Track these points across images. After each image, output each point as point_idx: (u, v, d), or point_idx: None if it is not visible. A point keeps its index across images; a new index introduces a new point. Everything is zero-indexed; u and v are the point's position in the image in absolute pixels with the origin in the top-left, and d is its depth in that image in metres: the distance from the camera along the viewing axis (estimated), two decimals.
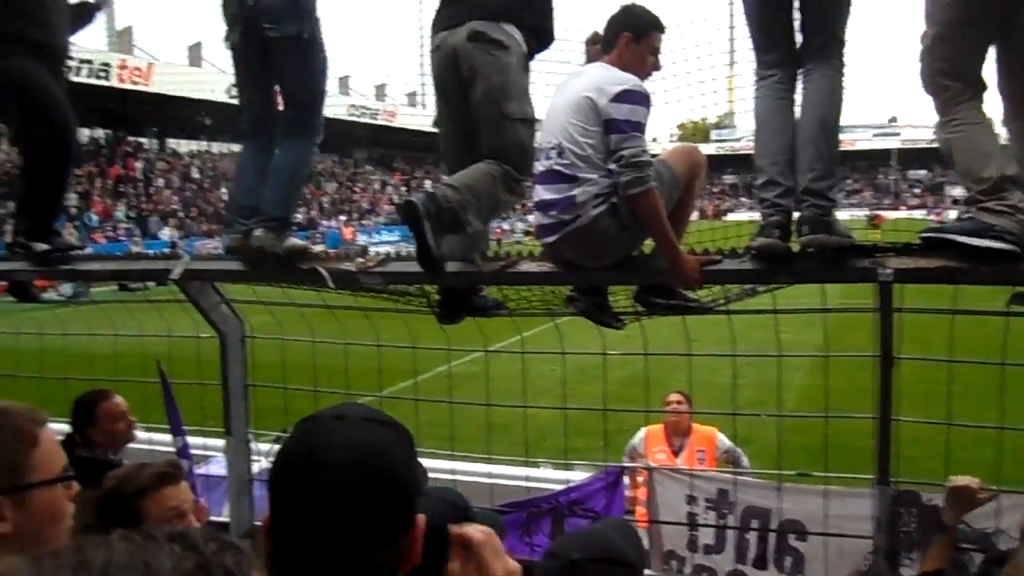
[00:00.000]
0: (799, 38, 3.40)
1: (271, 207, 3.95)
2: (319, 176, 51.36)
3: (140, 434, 5.29)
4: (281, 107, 4.07)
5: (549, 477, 5.65)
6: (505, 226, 46.43)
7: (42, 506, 1.64)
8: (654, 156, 3.46)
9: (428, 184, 53.77)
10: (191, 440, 5.16)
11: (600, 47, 3.61)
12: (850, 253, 3.20)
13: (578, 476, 5.28)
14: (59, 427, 4.76)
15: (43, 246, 4.34)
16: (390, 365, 4.34)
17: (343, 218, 48.20)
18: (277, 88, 4.05)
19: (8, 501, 1.61)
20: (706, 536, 4.92)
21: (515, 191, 3.68)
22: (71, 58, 4.61)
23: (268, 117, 4.08)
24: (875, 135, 71.22)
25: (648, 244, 3.48)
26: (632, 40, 3.49)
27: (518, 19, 3.73)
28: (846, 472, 4.75)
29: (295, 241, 4.00)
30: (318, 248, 4.44)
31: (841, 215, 3.41)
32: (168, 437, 5.17)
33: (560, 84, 3.64)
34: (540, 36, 3.85)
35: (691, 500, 4.95)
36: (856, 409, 4.03)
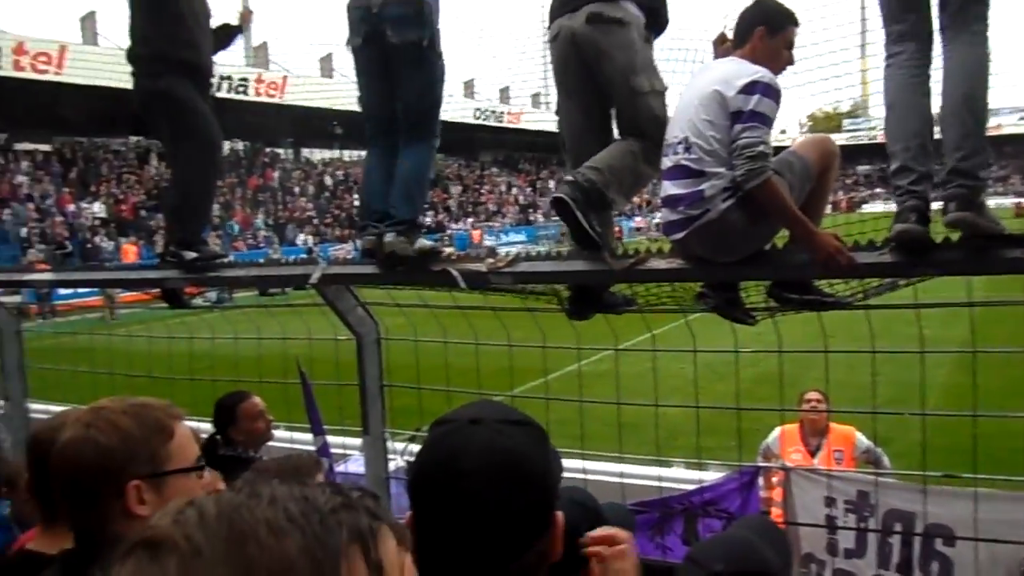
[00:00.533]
0: (934, 11, 3.24)
1: (399, 211, 4.06)
2: (446, 180, 52.24)
3: (282, 433, 5.52)
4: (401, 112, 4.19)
5: (681, 477, 5.59)
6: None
7: (177, 494, 1.75)
8: (784, 148, 3.39)
9: (552, 184, 53.99)
10: (330, 439, 5.34)
11: (730, 44, 3.55)
12: (999, 242, 3.04)
13: (711, 476, 5.20)
14: (204, 427, 5.06)
15: (192, 255, 4.59)
16: (520, 364, 4.37)
17: (471, 220, 48.86)
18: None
19: (148, 486, 1.76)
20: (846, 539, 4.76)
21: (654, 163, 3.67)
22: (214, 76, 4.86)
23: (390, 121, 4.18)
24: (1021, 118, 67.36)
25: (781, 237, 3.40)
26: (767, 34, 3.42)
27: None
28: (997, 474, 4.52)
29: (424, 242, 4.09)
30: (447, 250, 4.52)
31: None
32: (309, 436, 5.36)
33: (689, 80, 3.60)
34: (655, 17, 3.85)
35: (830, 502, 4.80)
36: (1007, 408, 3.83)
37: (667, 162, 3.41)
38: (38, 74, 33.17)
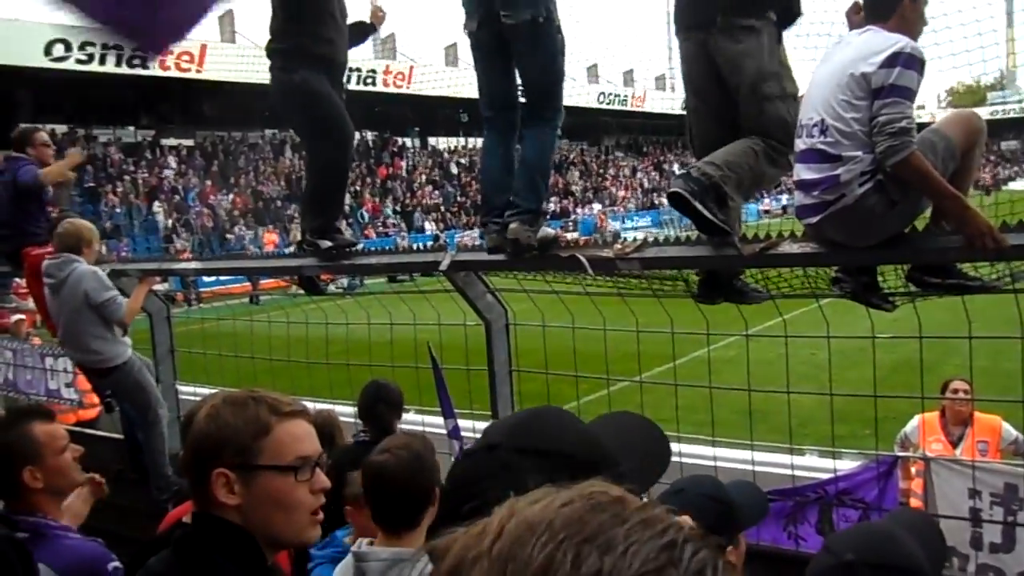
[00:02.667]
0: None
1: (523, 198, 4.09)
2: (570, 165, 52.19)
3: (413, 416, 5.66)
4: (520, 94, 4.20)
5: (815, 465, 5.45)
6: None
7: (268, 491, 1.80)
8: (923, 125, 3.26)
9: (676, 167, 53.22)
10: (460, 423, 5.45)
11: (866, 14, 3.41)
12: None
13: (846, 465, 5.06)
14: (341, 409, 5.23)
15: (328, 243, 4.75)
16: (647, 349, 4.36)
17: (596, 206, 48.70)
18: (516, 74, 4.18)
19: (237, 478, 1.79)
20: (991, 533, 4.55)
21: (779, 164, 3.62)
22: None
23: (509, 105, 4.21)
24: None
25: (921, 219, 3.27)
26: (912, 2, 3.27)
27: (766, 6, 3.67)
28: None
29: (548, 231, 4.12)
30: (571, 236, 4.53)
31: None
32: (439, 419, 5.48)
33: (823, 56, 3.49)
34: (787, 13, 3.77)
35: (974, 494, 4.60)
36: None
37: (801, 145, 3.32)
38: (182, 72, 34.77)
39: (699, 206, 3.46)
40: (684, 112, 4.09)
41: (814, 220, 3.27)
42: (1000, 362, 5.26)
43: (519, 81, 4.18)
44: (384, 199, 42.35)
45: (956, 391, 5.68)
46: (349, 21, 4.98)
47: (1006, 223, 3.15)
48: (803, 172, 3.29)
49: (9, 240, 6.61)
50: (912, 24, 3.26)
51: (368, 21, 5.31)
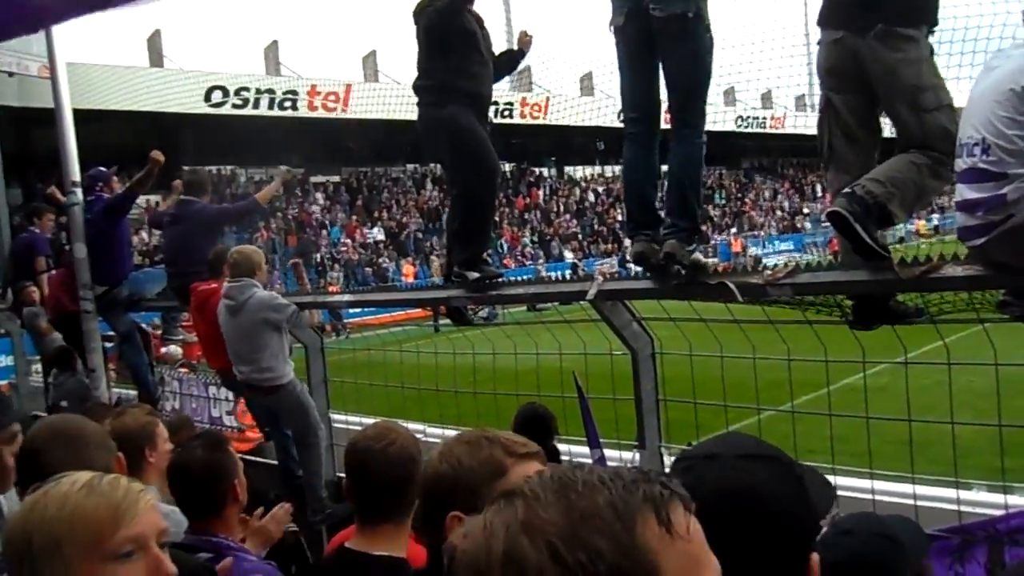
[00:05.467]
0: None
1: (676, 216, 4.06)
2: (708, 189, 51.47)
3: (559, 446, 5.68)
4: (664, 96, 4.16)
5: (984, 500, 5.16)
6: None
7: None
8: None
9: (818, 188, 51.61)
10: (607, 452, 5.43)
11: None
12: None
13: (1018, 500, 4.76)
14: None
15: (475, 274, 4.85)
16: (798, 377, 4.24)
17: (734, 231, 47.80)
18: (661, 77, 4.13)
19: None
20: None
21: (942, 176, 3.49)
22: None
23: (652, 112, 4.19)
24: None
25: None
26: None
27: (924, 18, 3.56)
28: None
29: (700, 257, 4.08)
30: (718, 264, 4.47)
31: None
32: (585, 449, 5.48)
33: (984, 67, 3.36)
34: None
35: None
36: None
37: (961, 164, 3.19)
38: (328, 112, 36.24)
39: (859, 229, 3.37)
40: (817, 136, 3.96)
41: (979, 242, 3.14)
42: None
43: (664, 85, 4.15)
44: (522, 229, 42.79)
45: None
46: (496, 51, 5.10)
47: None
48: (965, 192, 3.16)
49: (178, 277, 7.06)
50: None
51: (516, 47, 5.40)
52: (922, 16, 3.62)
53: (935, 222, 40.23)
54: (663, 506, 0.93)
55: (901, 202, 3.49)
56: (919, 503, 4.38)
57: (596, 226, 45.44)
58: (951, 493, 4.81)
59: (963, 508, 4.47)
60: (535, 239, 42.61)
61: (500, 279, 5.06)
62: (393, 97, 26.59)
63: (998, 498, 4.79)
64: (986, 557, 4.45)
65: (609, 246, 41.71)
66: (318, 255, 34.91)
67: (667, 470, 1.41)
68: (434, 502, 1.82)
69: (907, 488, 5.02)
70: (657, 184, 4.23)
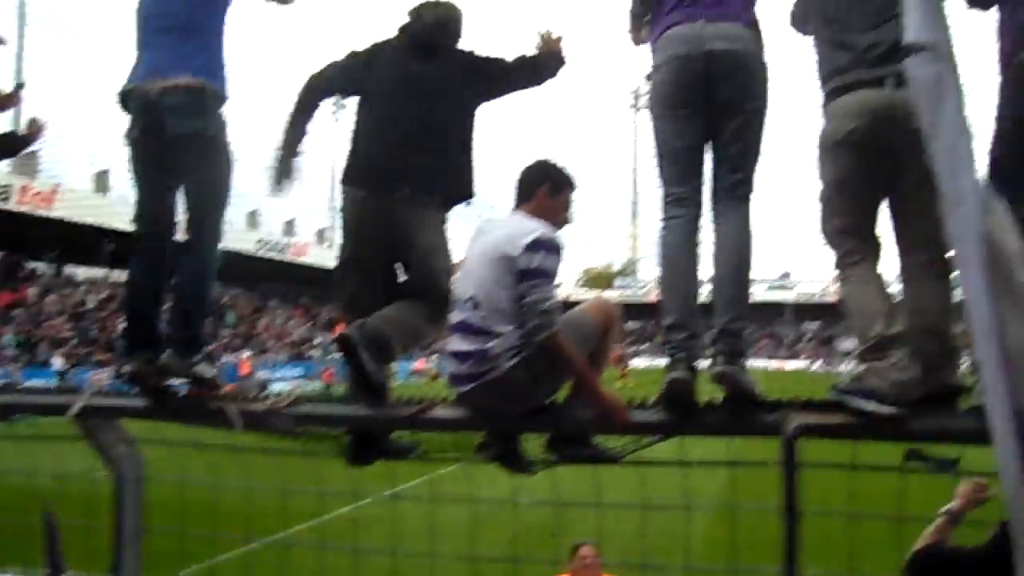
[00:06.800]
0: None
1: (178, 328, 3.90)
2: (222, 308, 50.53)
3: None
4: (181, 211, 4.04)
5: None
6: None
7: None
8: (572, 305, 3.58)
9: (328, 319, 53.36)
10: None
11: (516, 196, 3.75)
12: (756, 407, 3.32)
13: None
14: None
15: None
16: (294, 505, 4.21)
17: (247, 353, 47.25)
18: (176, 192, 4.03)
19: None
20: None
21: (438, 324, 3.75)
22: None
23: (164, 221, 4.05)
24: (769, 288, 74.02)
25: (563, 393, 3.54)
26: (549, 192, 3.65)
27: (441, 188, 3.96)
28: None
29: (206, 369, 3.93)
30: (226, 386, 4.32)
31: None
32: None
33: (477, 230, 3.75)
34: (460, 197, 4.06)
35: None
36: (762, 560, 4.04)
37: (455, 317, 3.51)
38: None
39: (365, 359, 3.52)
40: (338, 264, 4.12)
41: (465, 389, 3.44)
42: (624, 524, 5.68)
43: (180, 199, 4.03)
44: (5, 327, 38.13)
45: (584, 557, 6.00)
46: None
47: (632, 401, 3.50)
48: (457, 343, 3.47)
49: None
50: (551, 213, 3.62)
51: (20, 133, 4.87)
52: (440, 185, 3.97)
53: (433, 363, 43.50)
54: None
55: (403, 344, 3.75)
56: None
57: (94, 333, 42.02)
58: None
59: None
60: (20, 339, 38.16)
61: None
62: None
63: None
64: None
65: (106, 356, 38.71)
66: None
67: None
68: None
69: None
70: (160, 300, 4.02)
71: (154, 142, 3.91)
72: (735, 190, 3.49)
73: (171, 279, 4.05)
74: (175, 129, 3.84)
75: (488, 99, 4.27)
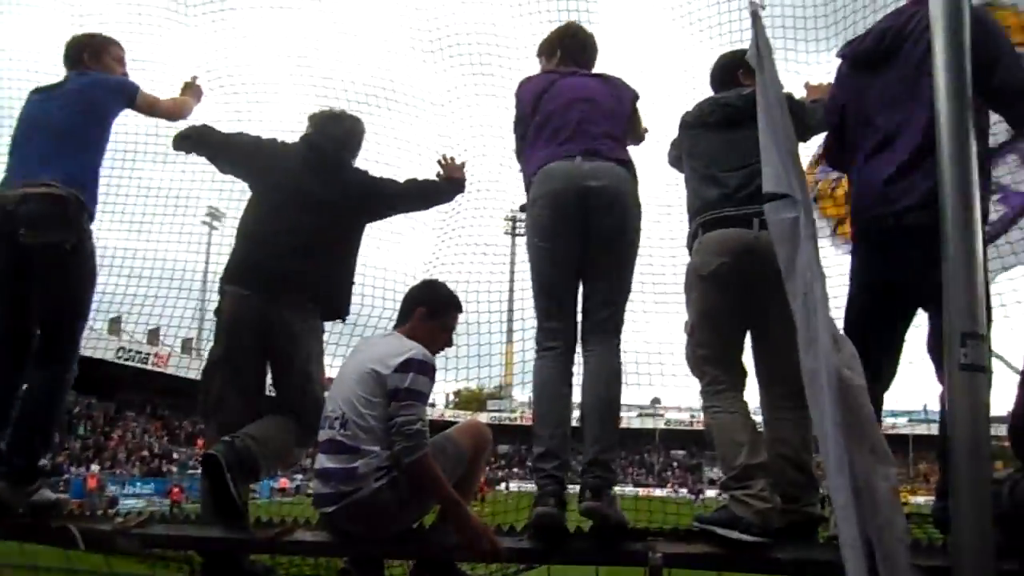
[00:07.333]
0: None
1: (17, 455, 3.67)
2: (72, 419, 47.83)
3: None
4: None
5: None
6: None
7: None
8: (445, 426, 3.55)
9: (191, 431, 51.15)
10: None
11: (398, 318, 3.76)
12: (623, 535, 3.33)
13: None
14: None
15: None
16: None
17: (96, 467, 44.61)
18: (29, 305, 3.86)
19: None
20: None
21: (305, 445, 3.66)
22: None
23: (18, 336, 3.86)
24: (639, 415, 75.25)
25: (430, 518, 3.47)
26: (427, 315, 3.65)
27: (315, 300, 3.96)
28: None
29: (47, 495, 3.69)
30: (65, 497, 4.07)
31: None
32: None
33: (354, 348, 3.72)
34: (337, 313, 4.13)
35: None
36: None
37: (323, 435, 3.42)
38: None
39: (229, 481, 3.37)
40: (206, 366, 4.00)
41: (330, 510, 3.32)
42: None
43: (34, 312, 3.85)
44: None
45: None
46: None
47: (500, 527, 3.46)
48: (324, 461, 3.37)
49: None
50: (428, 335, 3.61)
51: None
52: (324, 297, 4.00)
53: (298, 481, 42.02)
54: None
55: (270, 463, 3.64)
56: None
57: None
58: None
59: None
60: None
61: None
62: None
63: None
64: None
65: None
66: None
67: None
68: None
69: None
70: (6, 416, 3.78)
71: (7, 250, 3.76)
72: (605, 324, 3.60)
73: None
74: (31, 239, 3.71)
75: (377, 219, 4.34)
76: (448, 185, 4.46)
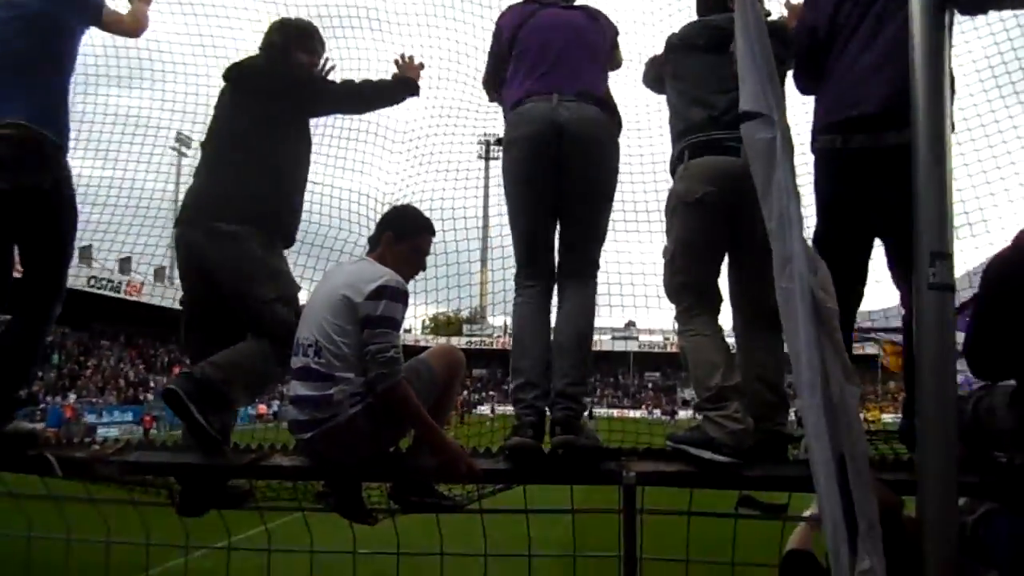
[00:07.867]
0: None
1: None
2: (47, 348, 47.62)
3: None
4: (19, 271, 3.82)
5: None
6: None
7: None
8: (418, 353, 3.56)
9: (167, 361, 51.16)
10: None
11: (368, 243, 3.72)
12: (597, 456, 3.38)
13: None
14: None
15: None
16: (119, 559, 3.97)
17: (72, 396, 44.60)
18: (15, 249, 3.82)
19: None
20: None
21: (285, 363, 3.62)
22: None
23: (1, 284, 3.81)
24: (614, 338, 75.95)
25: (405, 441, 3.50)
26: (394, 238, 3.61)
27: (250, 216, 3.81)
28: None
29: (23, 425, 3.68)
30: (41, 426, 4.07)
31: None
32: None
33: (324, 275, 3.70)
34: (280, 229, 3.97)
35: None
36: None
37: (297, 362, 3.41)
38: None
39: (194, 411, 3.36)
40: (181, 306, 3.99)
41: (306, 436, 3.34)
42: (466, 574, 5.63)
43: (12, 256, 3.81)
44: None
45: None
46: None
47: (476, 449, 3.50)
48: (299, 388, 3.37)
49: None
50: (399, 260, 3.58)
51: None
52: (247, 214, 3.78)
53: (275, 408, 42.21)
54: None
55: (244, 387, 3.59)
56: None
57: None
58: None
59: None
60: None
61: None
62: None
63: None
64: None
65: None
66: None
67: None
68: None
69: None
70: None
71: None
72: (580, 266, 3.64)
73: None
74: (4, 185, 3.54)
75: (311, 114, 4.17)
76: (399, 84, 4.29)
